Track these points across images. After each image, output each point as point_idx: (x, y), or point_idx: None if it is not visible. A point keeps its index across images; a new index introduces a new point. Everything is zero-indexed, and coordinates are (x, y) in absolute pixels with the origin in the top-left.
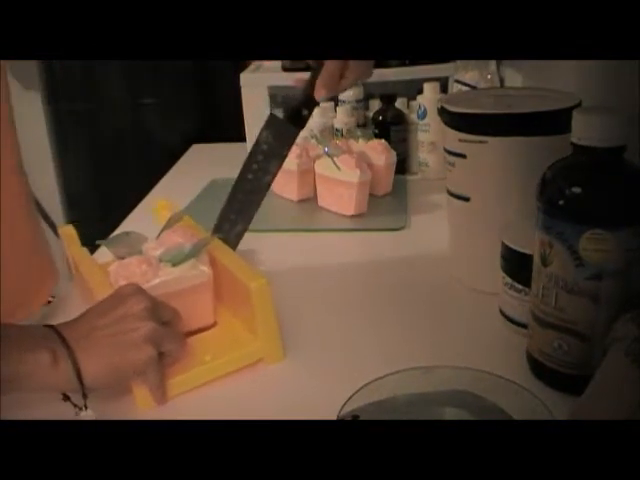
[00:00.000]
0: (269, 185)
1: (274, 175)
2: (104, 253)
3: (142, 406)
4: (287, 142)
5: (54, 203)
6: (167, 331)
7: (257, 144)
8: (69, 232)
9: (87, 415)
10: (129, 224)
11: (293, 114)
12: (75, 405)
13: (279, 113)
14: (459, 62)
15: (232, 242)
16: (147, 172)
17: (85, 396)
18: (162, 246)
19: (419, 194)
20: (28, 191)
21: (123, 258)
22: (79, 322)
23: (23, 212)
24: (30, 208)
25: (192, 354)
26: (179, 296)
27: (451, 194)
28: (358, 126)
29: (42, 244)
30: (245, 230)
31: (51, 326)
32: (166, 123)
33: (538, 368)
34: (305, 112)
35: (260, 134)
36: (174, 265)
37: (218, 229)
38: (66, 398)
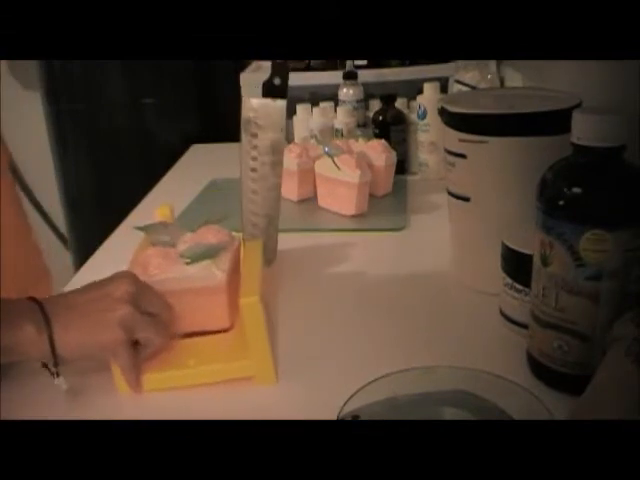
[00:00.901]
0: (280, 175)
1: (281, 160)
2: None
3: (120, 390)
4: (279, 119)
5: (54, 203)
6: (145, 319)
7: (247, 137)
8: (164, 211)
9: (60, 382)
10: (129, 224)
11: (269, 88)
12: (51, 373)
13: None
14: (459, 62)
15: (268, 244)
16: (147, 172)
17: (56, 365)
18: (192, 242)
19: (419, 194)
20: (15, 194)
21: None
22: (63, 297)
23: (11, 213)
24: (19, 211)
25: (180, 354)
26: (186, 295)
27: (451, 194)
28: (358, 126)
29: (32, 247)
30: (275, 229)
31: (35, 299)
32: (166, 123)
33: (538, 368)
34: (277, 81)
35: (243, 128)
36: (189, 263)
37: (248, 234)
38: (44, 365)
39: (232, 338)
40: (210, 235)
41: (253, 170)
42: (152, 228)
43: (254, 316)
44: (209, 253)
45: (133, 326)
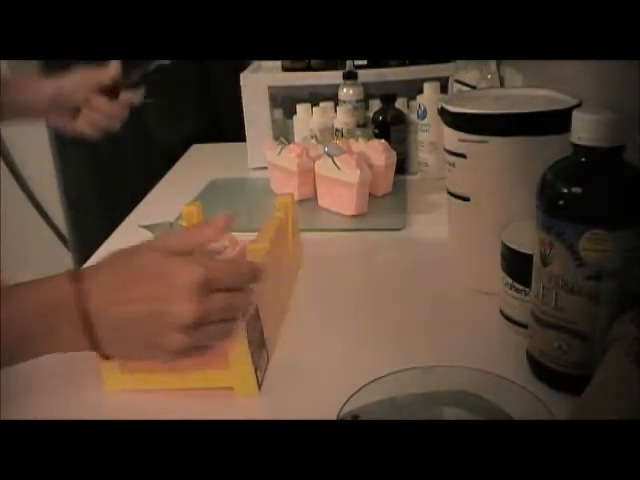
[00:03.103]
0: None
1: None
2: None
3: (109, 388)
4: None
5: (54, 203)
6: (208, 330)
7: None
8: (191, 209)
9: None
10: (130, 224)
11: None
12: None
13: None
14: (459, 62)
15: None
16: (147, 172)
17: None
18: None
19: (419, 194)
20: None
21: None
22: (108, 284)
23: None
24: None
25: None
26: None
27: (451, 194)
28: (358, 126)
29: None
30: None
31: (75, 282)
32: (166, 123)
33: (538, 368)
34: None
35: None
36: None
37: None
38: None
39: (222, 345)
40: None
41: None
42: (157, 227)
43: None
44: None
45: (196, 342)
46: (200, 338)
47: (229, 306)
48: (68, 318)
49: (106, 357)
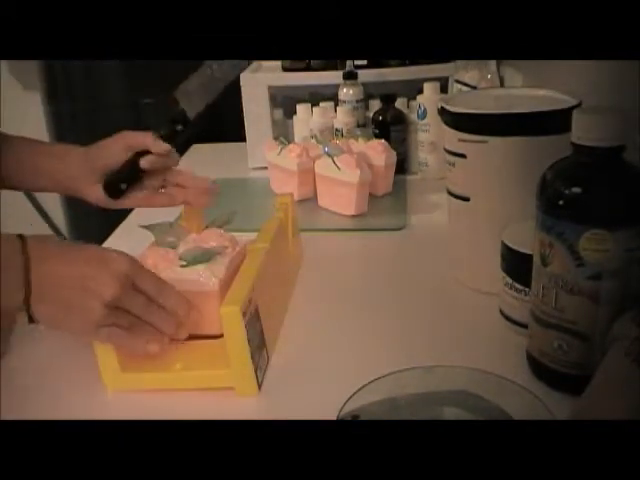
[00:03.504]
0: None
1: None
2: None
3: (108, 386)
4: None
5: (54, 203)
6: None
7: None
8: (190, 209)
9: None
10: (129, 224)
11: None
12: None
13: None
14: (459, 62)
15: None
16: None
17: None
18: (194, 244)
19: (419, 194)
20: None
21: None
22: (51, 254)
23: None
24: None
25: (168, 356)
26: None
27: (451, 194)
28: (358, 126)
29: None
30: None
31: (24, 241)
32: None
33: (538, 368)
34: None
35: None
36: (184, 266)
37: None
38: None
39: (220, 345)
40: (212, 239)
41: None
42: (158, 228)
43: (234, 325)
44: (205, 257)
45: (112, 321)
46: (116, 319)
47: (145, 308)
48: (14, 271)
49: (31, 319)
